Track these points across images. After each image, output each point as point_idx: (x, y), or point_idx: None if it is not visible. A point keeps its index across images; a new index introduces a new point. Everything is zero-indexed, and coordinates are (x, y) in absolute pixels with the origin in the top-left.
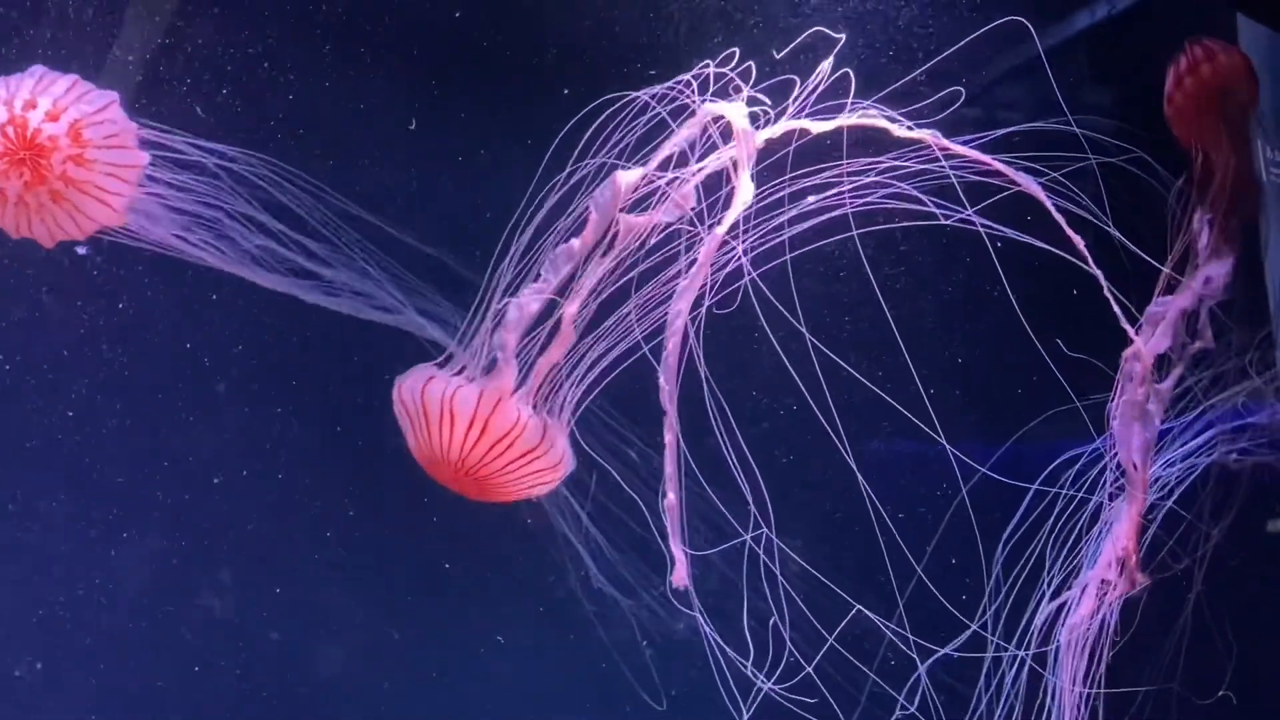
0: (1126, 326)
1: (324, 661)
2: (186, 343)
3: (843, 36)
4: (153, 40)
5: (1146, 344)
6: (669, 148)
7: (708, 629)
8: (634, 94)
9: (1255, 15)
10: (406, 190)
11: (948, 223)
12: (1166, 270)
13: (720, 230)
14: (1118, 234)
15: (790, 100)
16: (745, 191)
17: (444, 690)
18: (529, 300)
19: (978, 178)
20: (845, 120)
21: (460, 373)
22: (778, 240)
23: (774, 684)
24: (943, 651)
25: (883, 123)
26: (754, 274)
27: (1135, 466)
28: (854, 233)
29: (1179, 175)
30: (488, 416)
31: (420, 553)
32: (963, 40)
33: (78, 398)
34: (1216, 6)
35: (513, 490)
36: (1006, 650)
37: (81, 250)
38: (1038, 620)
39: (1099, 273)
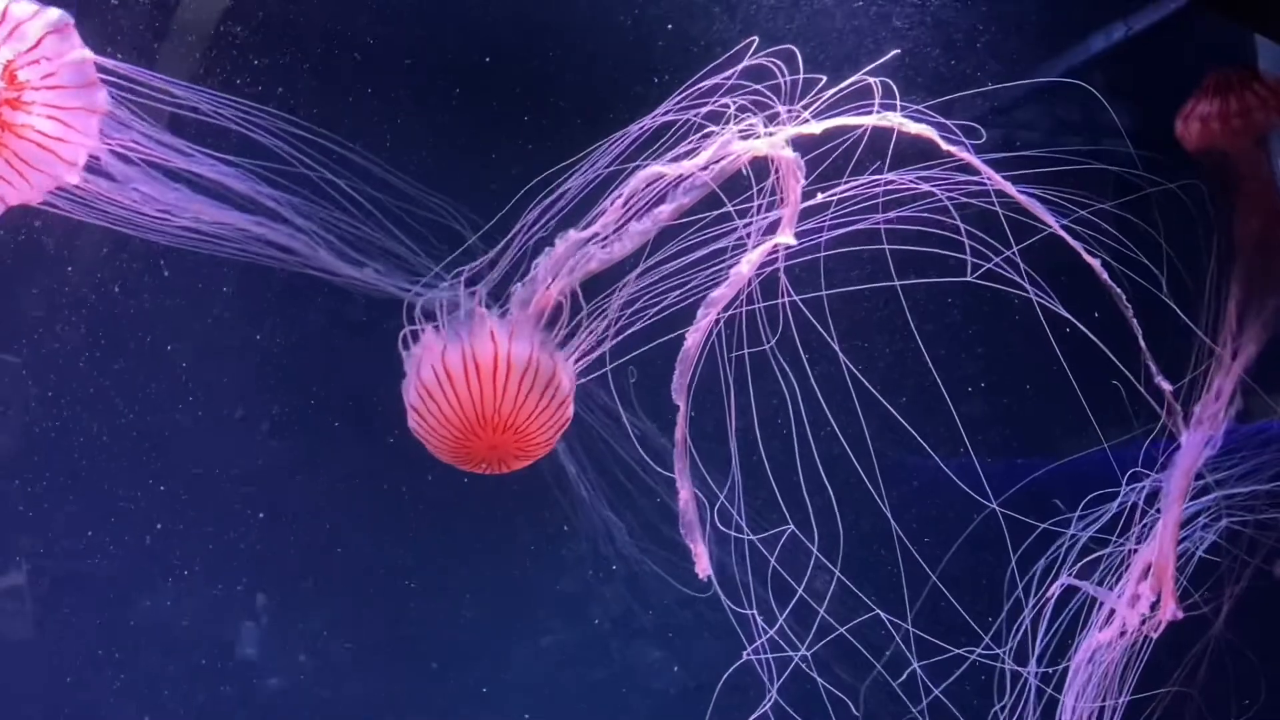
0: (1161, 382)
1: (352, 682)
2: (190, 363)
3: (896, 51)
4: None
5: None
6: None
7: (759, 623)
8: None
9: (1260, 29)
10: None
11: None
12: (1217, 345)
13: (762, 250)
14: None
15: (820, 99)
16: (788, 237)
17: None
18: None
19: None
20: (878, 120)
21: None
22: (811, 253)
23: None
24: (940, 655)
25: (918, 128)
26: (794, 297)
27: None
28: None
29: (1198, 196)
30: (508, 351)
31: (442, 567)
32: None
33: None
34: (1233, 28)
35: (544, 434)
36: (1023, 671)
37: None
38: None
39: (1135, 322)
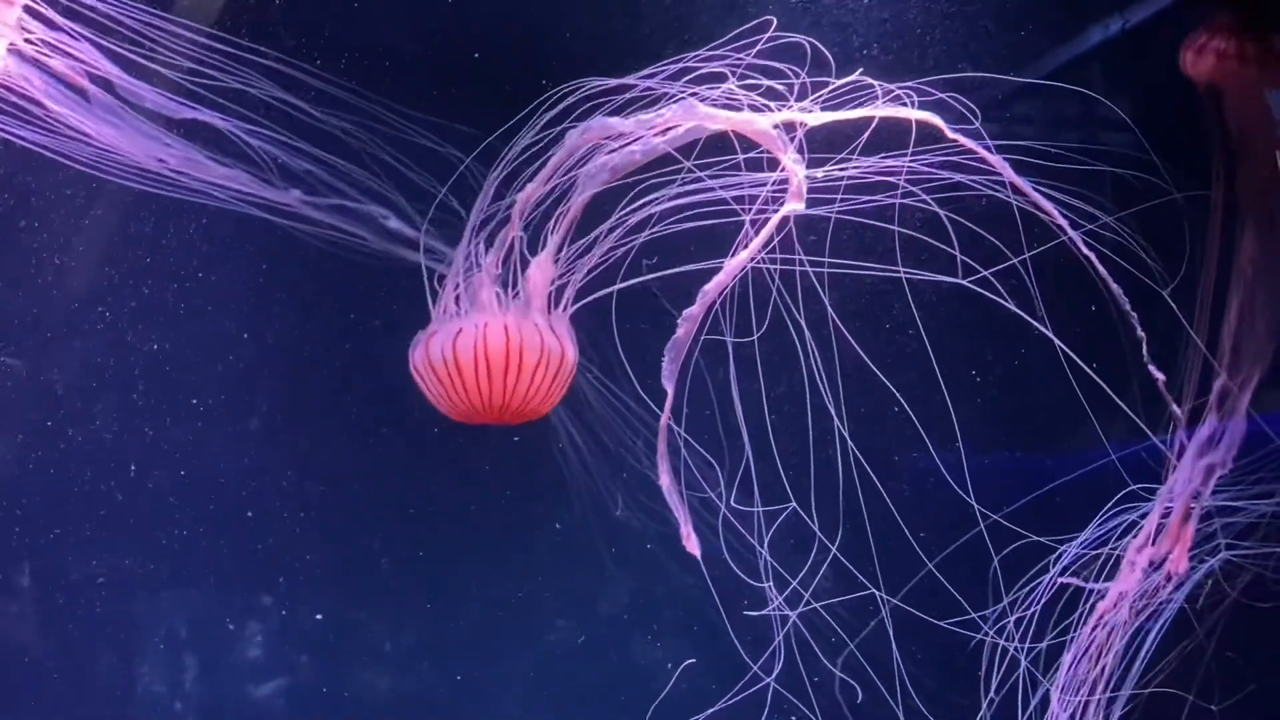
0: (1155, 371)
1: (356, 681)
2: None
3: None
4: None
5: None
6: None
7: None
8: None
9: None
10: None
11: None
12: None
13: (763, 235)
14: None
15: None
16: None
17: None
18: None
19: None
20: (879, 110)
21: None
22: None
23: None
24: (941, 622)
25: (922, 114)
26: (807, 266)
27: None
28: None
29: (1196, 187)
30: (519, 345)
31: (446, 564)
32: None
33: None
34: None
35: (549, 403)
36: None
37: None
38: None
39: (1134, 314)
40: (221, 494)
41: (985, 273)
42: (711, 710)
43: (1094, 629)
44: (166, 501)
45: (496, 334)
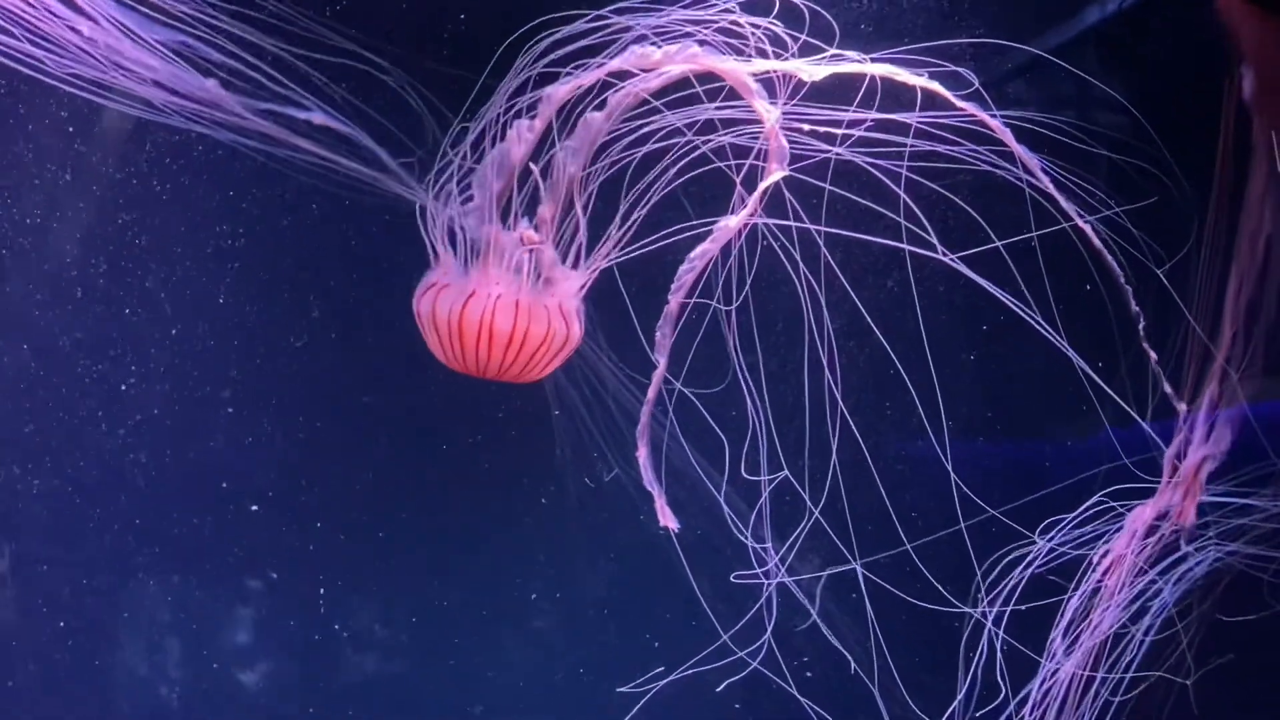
0: (1149, 351)
1: (344, 668)
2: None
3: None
4: None
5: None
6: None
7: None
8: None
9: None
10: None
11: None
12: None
13: (753, 200)
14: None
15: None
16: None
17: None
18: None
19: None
20: (879, 70)
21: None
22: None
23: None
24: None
25: (928, 83)
26: (801, 223)
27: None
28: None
29: (1191, 173)
30: (525, 329)
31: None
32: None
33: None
34: None
35: (544, 372)
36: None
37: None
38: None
39: (1129, 288)
40: (208, 477)
41: (952, 257)
42: (670, 678)
43: (1090, 609)
44: (152, 483)
45: (505, 312)
